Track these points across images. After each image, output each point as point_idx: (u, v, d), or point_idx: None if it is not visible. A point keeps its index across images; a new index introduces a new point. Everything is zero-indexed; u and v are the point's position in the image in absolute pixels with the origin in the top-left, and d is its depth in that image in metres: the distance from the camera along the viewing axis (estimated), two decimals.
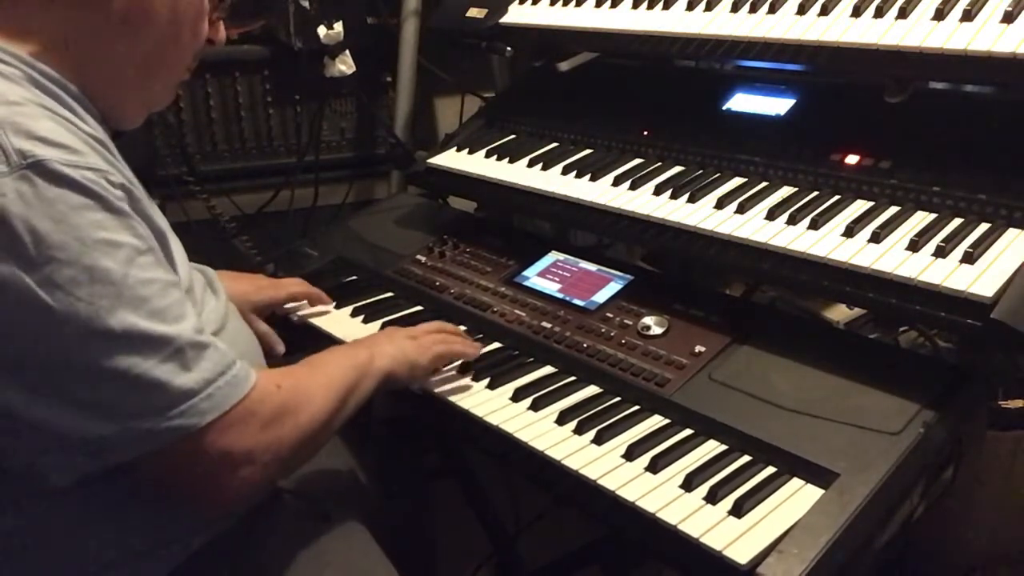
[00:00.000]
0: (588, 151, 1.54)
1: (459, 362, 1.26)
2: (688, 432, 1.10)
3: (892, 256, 1.08)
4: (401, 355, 1.16)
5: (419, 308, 1.47)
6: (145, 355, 0.83)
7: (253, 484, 0.92)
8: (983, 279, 1.00)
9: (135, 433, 0.84)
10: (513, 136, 1.68)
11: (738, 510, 0.94)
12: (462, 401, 1.20)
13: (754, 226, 1.20)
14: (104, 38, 0.92)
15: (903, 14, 1.16)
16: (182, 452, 0.86)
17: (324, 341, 1.41)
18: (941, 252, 1.06)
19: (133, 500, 0.92)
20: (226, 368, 0.88)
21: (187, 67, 1.03)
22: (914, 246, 1.08)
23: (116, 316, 0.81)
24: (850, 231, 1.14)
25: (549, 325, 1.33)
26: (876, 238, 1.11)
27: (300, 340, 1.43)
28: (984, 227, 1.09)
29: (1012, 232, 1.08)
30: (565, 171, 1.48)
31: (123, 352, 0.82)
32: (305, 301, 1.46)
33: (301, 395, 0.98)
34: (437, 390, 1.22)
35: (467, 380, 1.24)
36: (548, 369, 1.26)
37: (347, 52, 2.06)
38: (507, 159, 1.58)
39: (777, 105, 1.43)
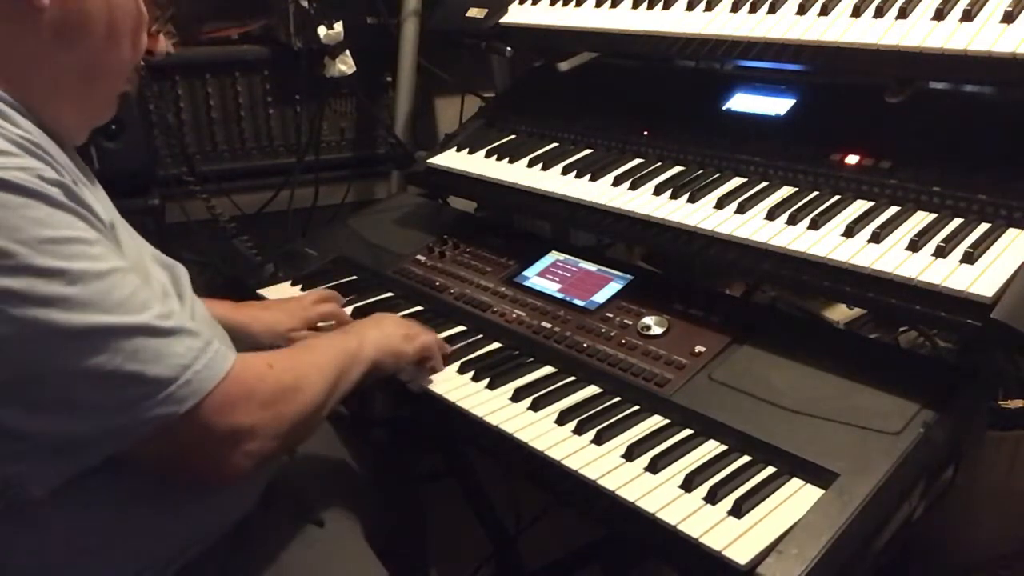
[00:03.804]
0: (588, 151, 1.54)
1: (458, 363, 1.26)
2: (688, 432, 1.10)
3: (892, 256, 1.08)
4: (387, 343, 1.16)
5: (419, 308, 1.47)
6: (113, 351, 0.79)
7: (257, 458, 0.92)
8: (983, 279, 1.00)
9: (112, 428, 0.82)
10: (513, 136, 1.68)
11: (738, 510, 0.94)
12: (462, 401, 1.20)
13: (754, 226, 1.20)
14: (37, 53, 0.87)
15: (903, 14, 1.16)
16: (170, 436, 0.84)
17: None
18: (941, 252, 1.06)
19: (121, 518, 0.90)
20: (201, 351, 0.86)
21: (127, 79, 0.98)
22: (914, 246, 1.08)
23: (76, 316, 0.77)
24: (850, 231, 1.14)
25: (549, 325, 1.33)
26: (876, 238, 1.11)
27: None
28: (984, 227, 1.09)
29: (1012, 232, 1.08)
30: (565, 171, 1.48)
31: (90, 352, 0.78)
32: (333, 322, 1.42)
33: (296, 374, 0.98)
34: (437, 390, 1.22)
35: (467, 380, 1.24)
36: (548, 369, 1.26)
37: (347, 52, 2.06)
38: (507, 159, 1.58)
39: (777, 105, 1.43)
